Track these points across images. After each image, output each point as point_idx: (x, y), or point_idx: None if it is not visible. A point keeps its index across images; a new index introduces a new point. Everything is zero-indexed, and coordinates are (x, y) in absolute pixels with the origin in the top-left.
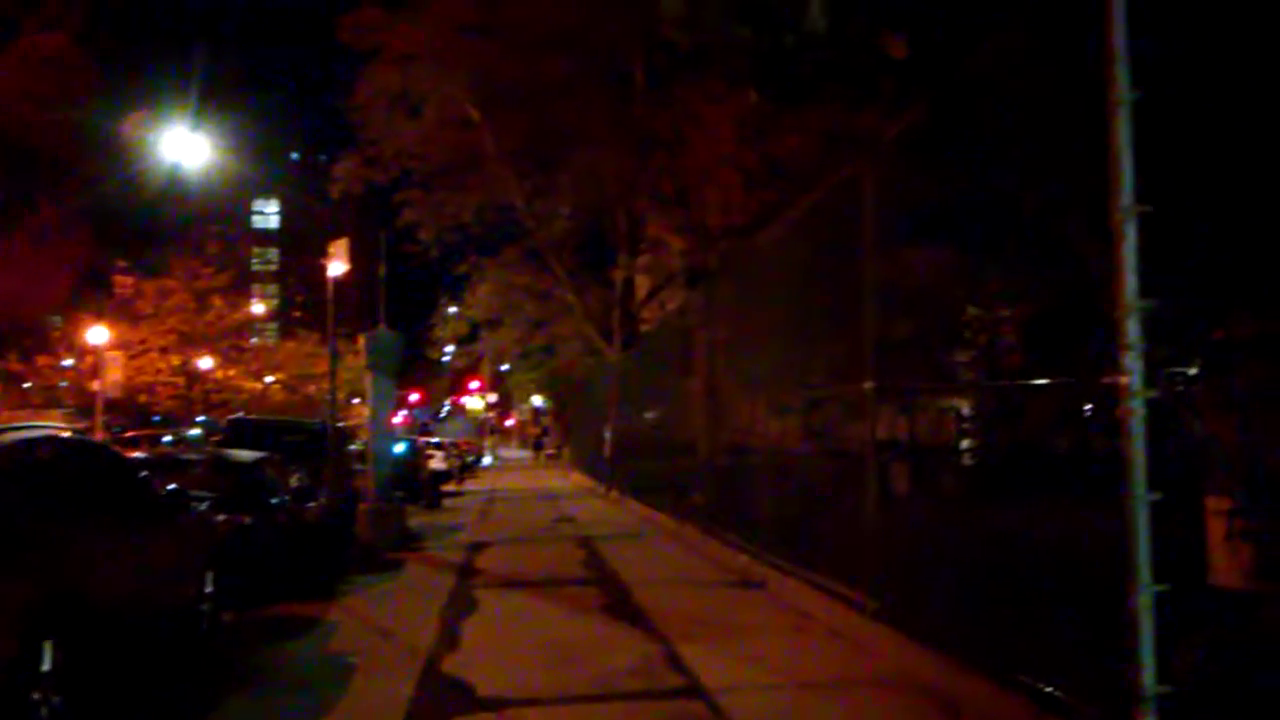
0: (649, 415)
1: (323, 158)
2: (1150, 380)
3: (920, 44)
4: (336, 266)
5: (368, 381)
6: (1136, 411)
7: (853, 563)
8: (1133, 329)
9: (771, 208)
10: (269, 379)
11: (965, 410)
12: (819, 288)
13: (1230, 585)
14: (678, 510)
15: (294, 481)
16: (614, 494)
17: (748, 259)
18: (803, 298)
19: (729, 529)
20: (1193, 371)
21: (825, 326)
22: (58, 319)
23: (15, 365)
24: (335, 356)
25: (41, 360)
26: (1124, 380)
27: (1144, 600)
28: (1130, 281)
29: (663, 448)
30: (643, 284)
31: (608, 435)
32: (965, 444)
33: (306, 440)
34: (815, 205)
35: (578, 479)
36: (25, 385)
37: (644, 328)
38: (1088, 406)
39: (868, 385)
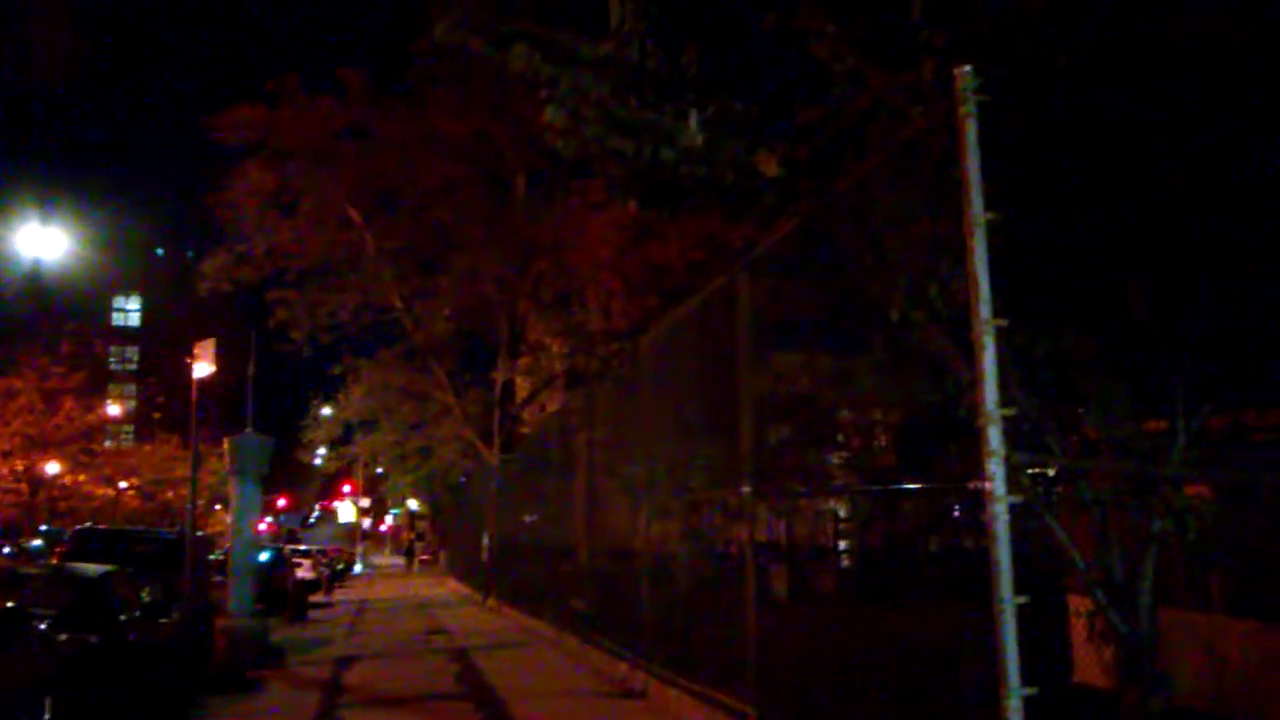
0: (529, 519)
1: (190, 254)
2: (1014, 484)
3: (791, 163)
4: (202, 367)
5: (231, 487)
6: (1000, 516)
7: (734, 670)
8: (994, 437)
9: (652, 313)
10: (123, 485)
11: (842, 512)
12: (697, 392)
13: (1094, 683)
14: (558, 618)
15: (146, 596)
16: (492, 602)
17: (628, 363)
18: (681, 401)
19: (610, 636)
20: (1051, 473)
21: (704, 430)
22: None
23: None
24: (198, 461)
25: None
26: (987, 486)
27: (1013, 704)
28: (991, 391)
29: (543, 552)
30: (523, 386)
31: (486, 540)
32: (842, 545)
33: (161, 551)
34: (693, 311)
35: (454, 586)
36: None
37: (524, 430)
38: (957, 508)
39: (745, 489)
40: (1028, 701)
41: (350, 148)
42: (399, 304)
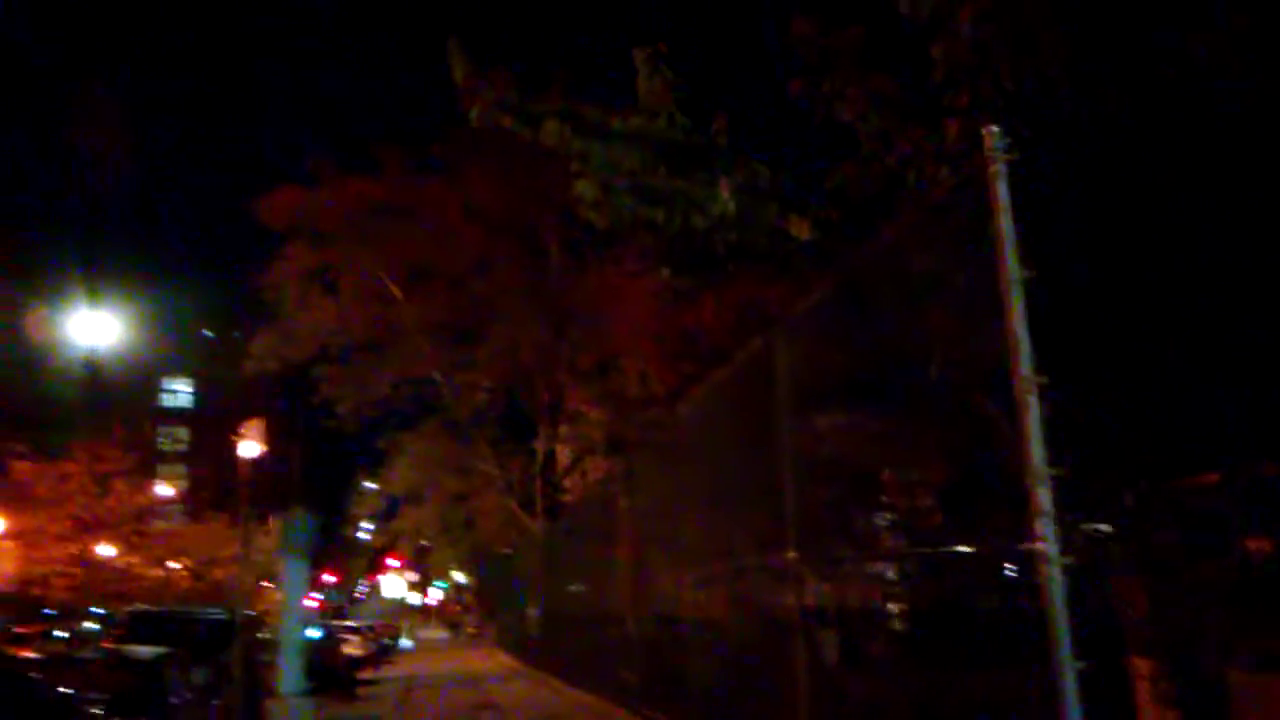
0: (575, 589)
1: (236, 335)
2: (1068, 543)
3: (823, 225)
4: (250, 447)
5: (281, 566)
6: (1054, 579)
7: None
8: (1043, 497)
9: (689, 378)
10: (174, 565)
11: (890, 574)
12: (738, 456)
13: None
14: (606, 689)
15: (198, 678)
16: (540, 674)
17: (667, 429)
18: (722, 466)
19: (660, 708)
20: (1106, 530)
21: (747, 495)
22: None
23: None
24: (248, 541)
25: None
26: (1039, 547)
27: None
28: (1037, 450)
29: (589, 623)
30: (564, 454)
31: (532, 612)
32: (893, 608)
33: (212, 631)
34: (729, 376)
35: (502, 659)
36: None
37: (567, 499)
38: (1010, 567)
39: (791, 555)
40: None
41: (387, 224)
42: (439, 376)
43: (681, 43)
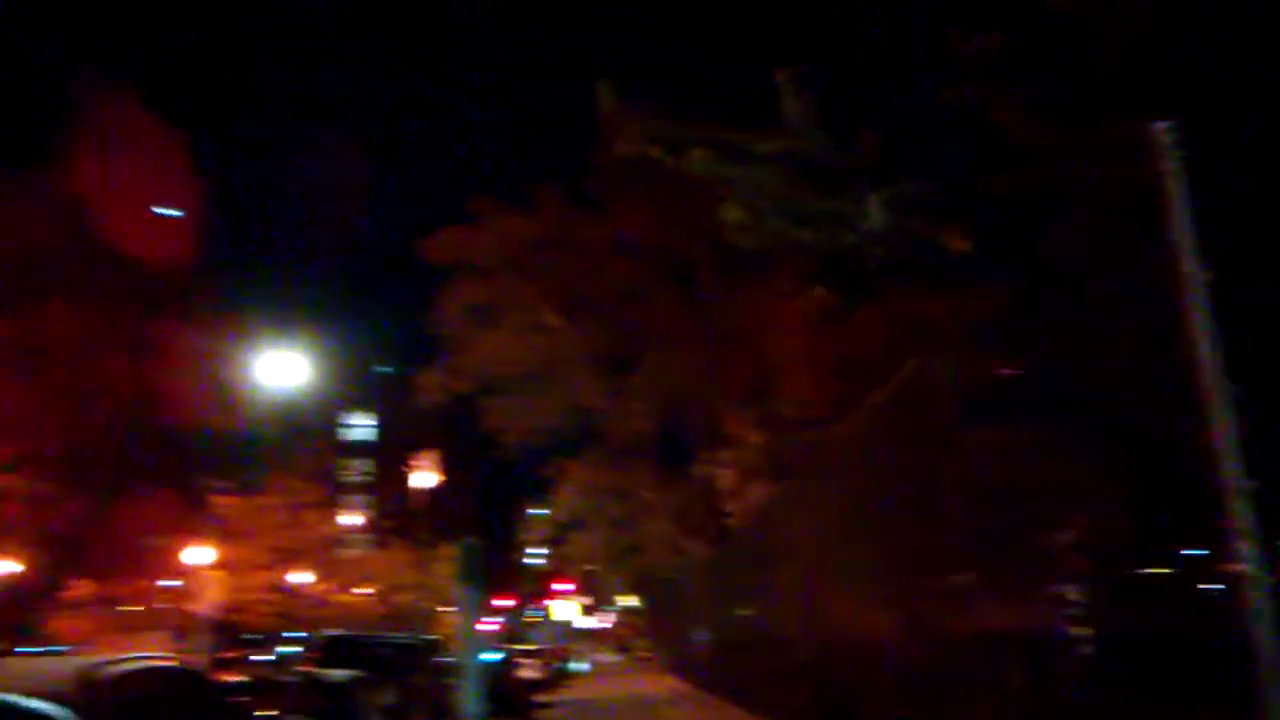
0: (743, 613)
1: (409, 370)
2: (1271, 561)
3: (981, 236)
4: (424, 478)
5: (458, 592)
6: (1259, 603)
7: None
8: (1243, 514)
9: (846, 398)
10: (362, 591)
11: (1073, 596)
12: (906, 477)
13: None
14: (777, 714)
15: (387, 699)
16: (710, 698)
17: (828, 450)
18: (889, 485)
19: None
20: None
21: (915, 514)
22: (155, 541)
23: (116, 589)
24: (427, 568)
25: (141, 583)
26: (1240, 568)
27: None
28: (1230, 464)
29: (758, 646)
30: (725, 478)
31: (699, 635)
32: (1078, 632)
33: (398, 655)
34: (892, 393)
35: (672, 683)
36: (124, 608)
37: (729, 522)
38: (1210, 587)
39: (966, 576)
40: None
41: (544, 258)
42: (598, 405)
43: (823, 61)
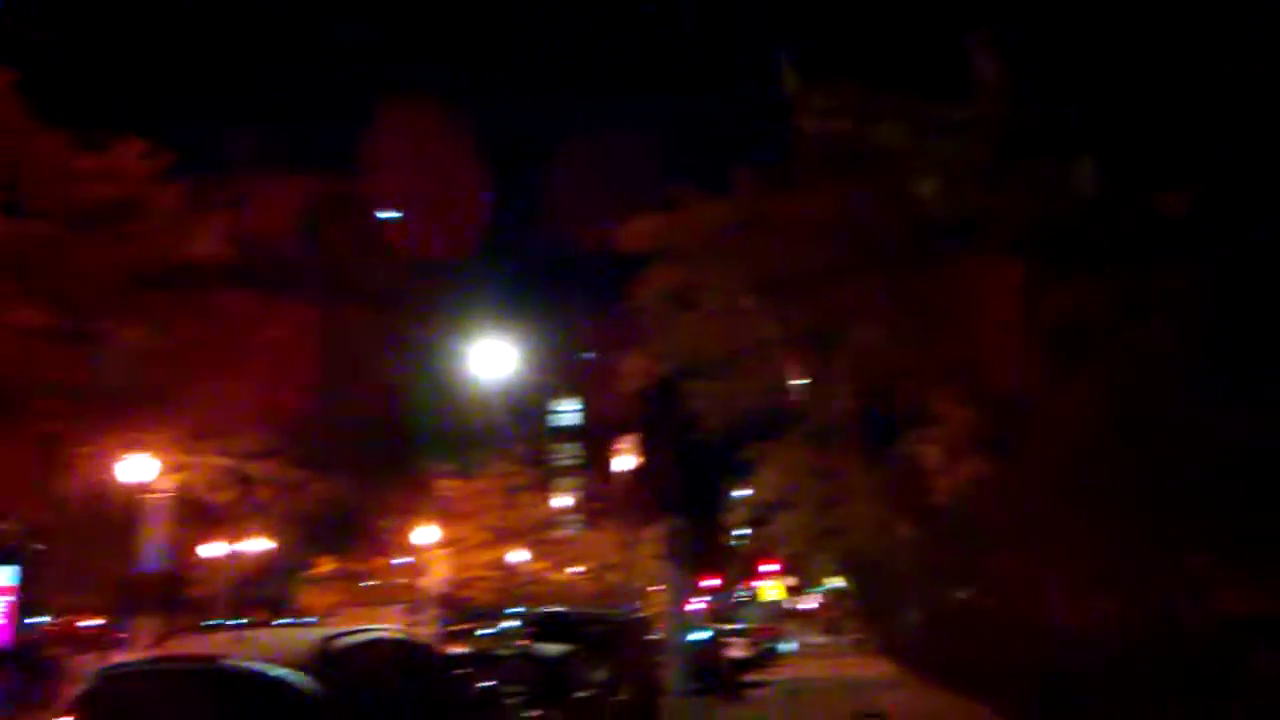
0: (955, 594)
1: (612, 357)
2: None
3: (1206, 198)
4: (627, 460)
5: (666, 570)
6: None
7: None
8: None
9: (1062, 370)
10: (574, 569)
11: None
12: (1128, 451)
13: None
14: (996, 699)
15: (599, 674)
16: (922, 682)
17: (1047, 426)
18: (1112, 463)
19: None
20: None
21: (1144, 493)
22: (389, 521)
23: (356, 565)
24: (634, 548)
25: (378, 561)
26: None
27: None
28: None
29: (975, 630)
30: (931, 457)
31: (910, 618)
32: None
33: (609, 631)
34: (1109, 365)
35: (881, 665)
36: (364, 584)
37: (936, 501)
38: None
39: (1203, 556)
40: None
41: (741, 240)
42: (800, 385)
43: (1017, 22)
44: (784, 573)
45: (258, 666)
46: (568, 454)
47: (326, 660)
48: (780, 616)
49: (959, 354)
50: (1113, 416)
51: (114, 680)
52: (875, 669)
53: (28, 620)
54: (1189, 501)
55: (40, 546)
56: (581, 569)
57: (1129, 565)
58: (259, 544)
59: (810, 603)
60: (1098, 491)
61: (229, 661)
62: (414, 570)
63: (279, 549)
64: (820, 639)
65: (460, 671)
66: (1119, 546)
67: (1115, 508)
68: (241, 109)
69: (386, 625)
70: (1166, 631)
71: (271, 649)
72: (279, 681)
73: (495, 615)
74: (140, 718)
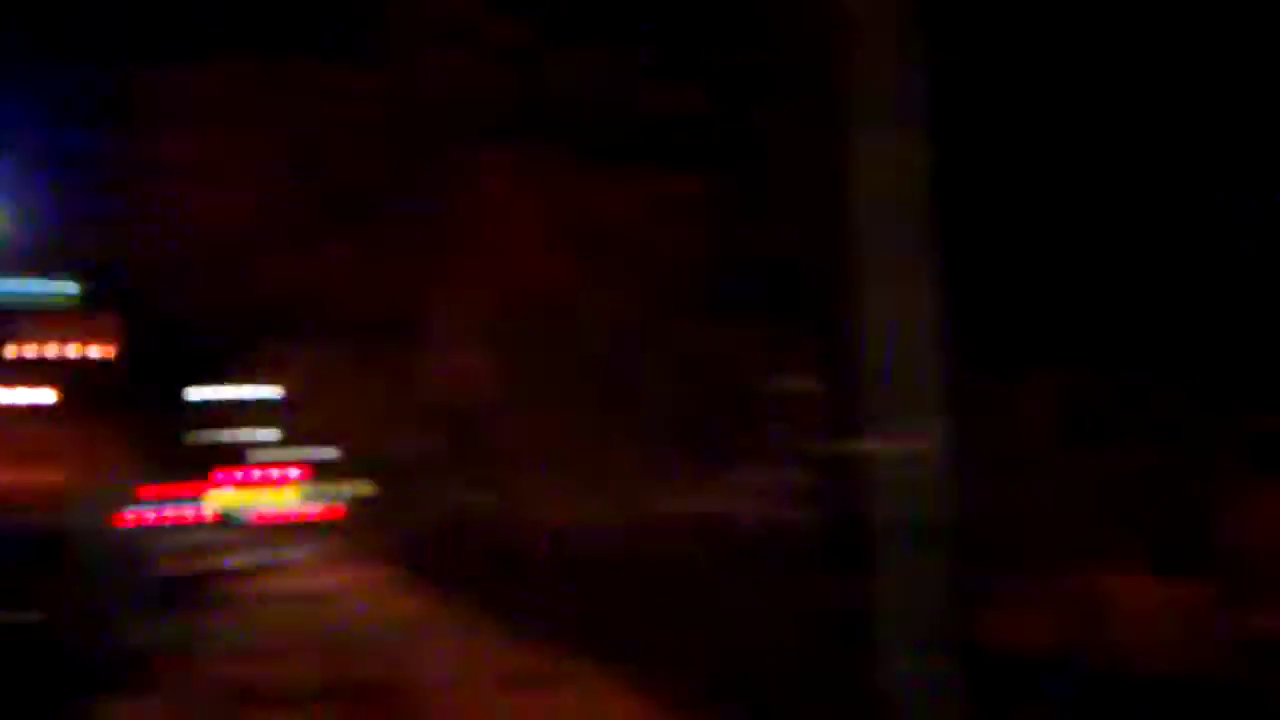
0: (475, 500)
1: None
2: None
3: (724, 102)
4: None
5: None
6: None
7: None
8: (874, 392)
9: (586, 274)
10: None
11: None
12: (619, 358)
13: None
14: (466, 590)
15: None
16: (411, 583)
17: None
18: (611, 367)
19: None
20: None
21: (626, 398)
22: None
23: None
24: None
25: None
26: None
27: None
28: (871, 343)
29: (484, 531)
30: (453, 358)
31: (420, 522)
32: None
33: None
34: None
35: (381, 572)
36: None
37: (448, 402)
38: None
39: (663, 458)
40: None
41: (277, 103)
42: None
43: None
44: (306, 478)
45: None
46: None
47: None
48: (290, 524)
49: (483, 247)
50: (633, 324)
51: None
52: (369, 575)
53: None
54: (654, 409)
55: None
56: None
57: (605, 467)
58: None
59: (324, 508)
60: (606, 401)
61: None
62: None
63: None
64: (330, 546)
65: None
66: (600, 449)
67: (600, 411)
68: None
69: None
70: (639, 527)
71: None
72: None
73: None
74: None
